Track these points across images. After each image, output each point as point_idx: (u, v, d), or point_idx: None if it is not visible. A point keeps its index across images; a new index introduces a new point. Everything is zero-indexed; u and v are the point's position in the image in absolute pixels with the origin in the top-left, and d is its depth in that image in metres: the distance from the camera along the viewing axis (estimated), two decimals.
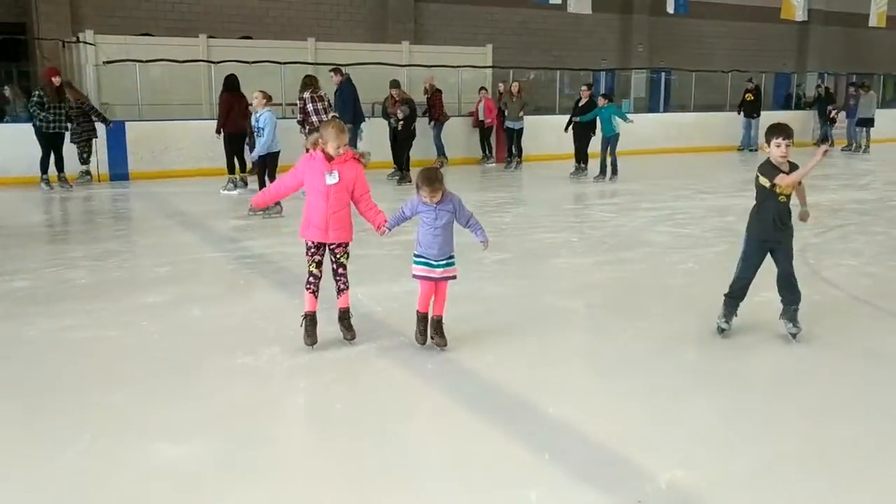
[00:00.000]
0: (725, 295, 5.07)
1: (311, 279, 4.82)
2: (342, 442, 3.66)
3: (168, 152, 13.16)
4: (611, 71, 23.36)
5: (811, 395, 4.30)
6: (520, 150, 15.20)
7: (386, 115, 13.07)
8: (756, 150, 18.45)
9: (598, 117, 13.40)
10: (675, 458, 3.46)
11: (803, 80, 26.41)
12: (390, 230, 4.81)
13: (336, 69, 12.71)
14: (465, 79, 16.93)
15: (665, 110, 21.61)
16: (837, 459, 3.53)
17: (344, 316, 4.94)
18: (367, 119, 13.07)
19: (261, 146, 9.72)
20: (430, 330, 4.79)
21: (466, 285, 5.44)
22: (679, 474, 3.31)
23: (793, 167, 4.78)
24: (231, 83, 11.65)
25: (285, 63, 14.67)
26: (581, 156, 13.85)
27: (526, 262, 7.52)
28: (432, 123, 14.71)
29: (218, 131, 11.64)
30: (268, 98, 9.91)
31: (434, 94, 14.88)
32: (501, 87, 15.60)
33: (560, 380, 4.49)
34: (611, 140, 13.18)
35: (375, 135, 13.12)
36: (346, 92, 12.34)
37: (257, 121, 9.79)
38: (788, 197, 4.85)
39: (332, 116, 5.77)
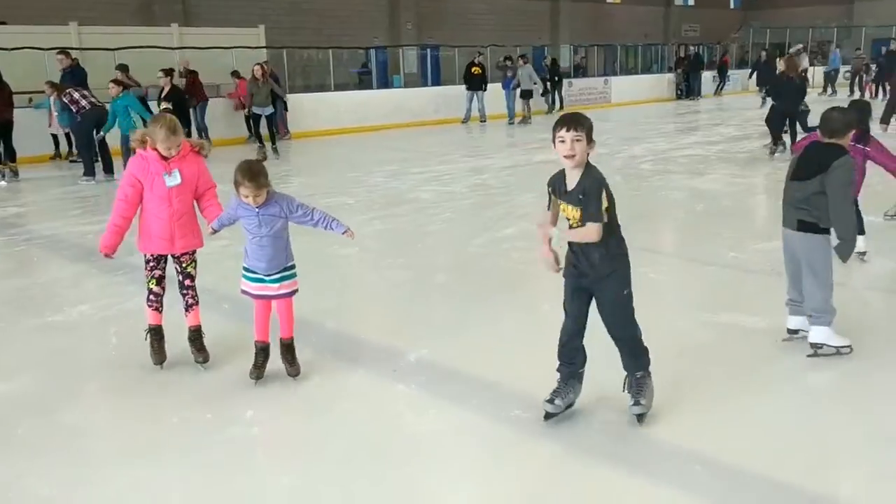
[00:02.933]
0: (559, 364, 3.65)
1: (151, 297, 4.23)
2: (140, 373, 4.31)
3: None
4: (382, 48, 24.55)
5: (550, 287, 5.62)
6: (272, 134, 13.90)
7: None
8: (486, 122, 19.27)
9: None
10: (420, 342, 4.61)
11: (557, 52, 29.02)
12: (215, 231, 4.15)
13: (64, 52, 12.58)
14: (242, 59, 17.20)
15: (435, 84, 23.12)
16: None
17: (195, 336, 4.31)
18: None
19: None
20: (281, 357, 4.10)
21: None
22: (424, 352, 4.48)
23: (585, 180, 3.31)
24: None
25: (49, 49, 14.28)
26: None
27: None
28: (195, 106, 14.77)
29: None
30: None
31: (189, 76, 15.09)
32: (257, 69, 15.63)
33: (340, 303, 5.49)
34: (120, 140, 10.74)
35: None
36: (77, 77, 12.38)
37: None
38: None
39: (164, 109, 5.08)
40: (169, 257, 4.22)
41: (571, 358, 3.58)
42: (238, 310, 5.14)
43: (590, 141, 3.33)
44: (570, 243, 3.47)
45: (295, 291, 4.05)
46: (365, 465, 3.29)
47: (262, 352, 4.08)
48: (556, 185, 3.47)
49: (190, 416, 3.77)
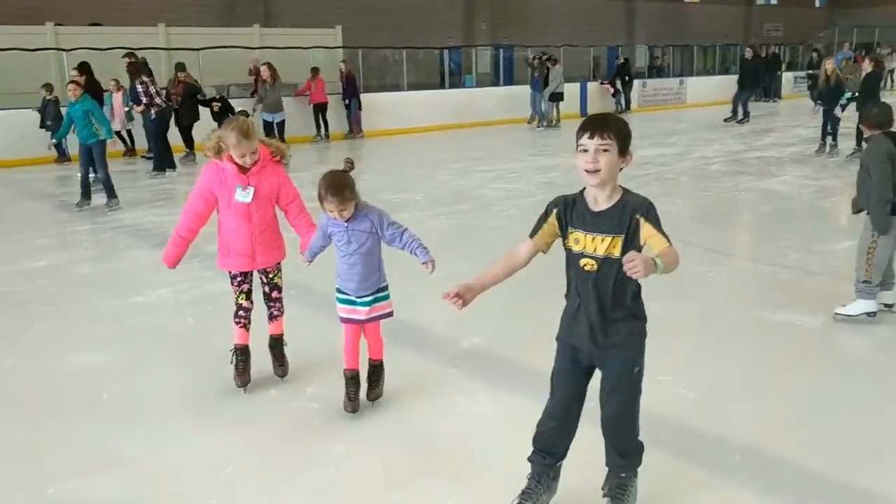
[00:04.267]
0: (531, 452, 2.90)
1: (240, 312, 3.99)
2: (213, 350, 4.61)
3: (24, 140, 13.31)
4: (457, 49, 24.81)
5: None
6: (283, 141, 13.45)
7: (169, 98, 12.96)
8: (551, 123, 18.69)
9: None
10: (474, 330, 4.82)
11: (632, 52, 28.60)
12: (310, 262, 3.79)
13: (130, 54, 13.03)
14: (318, 59, 17.71)
15: (508, 84, 23.20)
16: None
17: (276, 343, 4.13)
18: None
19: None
20: (367, 377, 3.84)
21: None
22: (476, 340, 4.70)
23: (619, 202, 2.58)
24: (86, 70, 12.12)
25: (139, 49, 15.03)
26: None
27: None
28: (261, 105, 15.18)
29: None
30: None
31: (259, 76, 15.52)
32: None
33: (399, 292, 5.71)
34: (94, 148, 8.97)
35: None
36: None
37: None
38: (609, 266, 2.57)
39: (240, 112, 4.79)
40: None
41: (551, 447, 2.83)
42: (303, 295, 5.45)
43: (623, 153, 2.56)
44: (581, 299, 2.65)
45: (389, 314, 3.73)
46: (414, 439, 3.52)
47: (353, 380, 3.75)
48: (569, 207, 2.63)
49: (255, 392, 4.06)
